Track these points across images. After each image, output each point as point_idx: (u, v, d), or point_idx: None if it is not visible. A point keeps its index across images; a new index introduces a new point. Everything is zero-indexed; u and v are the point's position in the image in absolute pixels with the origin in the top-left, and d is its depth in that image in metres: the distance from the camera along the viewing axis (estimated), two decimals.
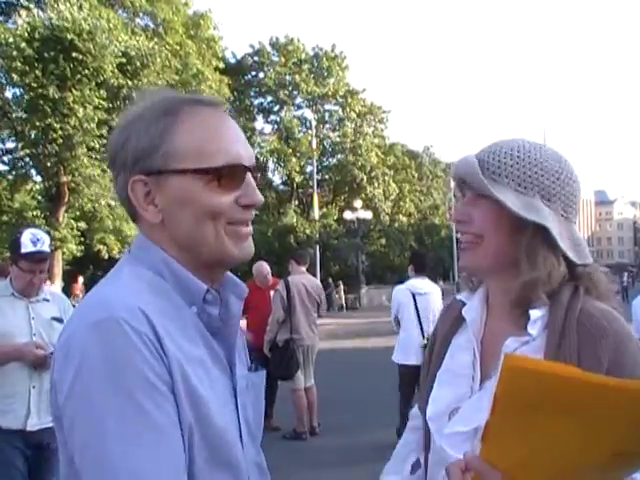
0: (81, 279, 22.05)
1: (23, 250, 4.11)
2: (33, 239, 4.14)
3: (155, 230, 1.36)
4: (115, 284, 1.32)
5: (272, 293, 9.28)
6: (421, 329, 7.84)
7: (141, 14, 35.29)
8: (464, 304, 1.73)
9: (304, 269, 9.27)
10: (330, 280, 40.91)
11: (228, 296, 1.44)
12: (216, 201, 1.33)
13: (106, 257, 30.04)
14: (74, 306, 4.51)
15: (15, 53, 24.40)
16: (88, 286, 22.49)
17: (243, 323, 9.52)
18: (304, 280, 9.10)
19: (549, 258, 1.54)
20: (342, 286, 41.57)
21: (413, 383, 7.57)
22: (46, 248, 4.20)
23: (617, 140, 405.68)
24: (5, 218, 29.44)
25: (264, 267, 9.66)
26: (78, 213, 28.30)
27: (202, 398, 1.25)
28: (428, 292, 8.03)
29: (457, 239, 1.79)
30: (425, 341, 7.50)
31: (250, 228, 1.42)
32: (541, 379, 1.22)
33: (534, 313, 1.53)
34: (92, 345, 1.17)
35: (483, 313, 1.68)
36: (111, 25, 26.48)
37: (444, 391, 1.66)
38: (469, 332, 1.66)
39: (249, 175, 1.38)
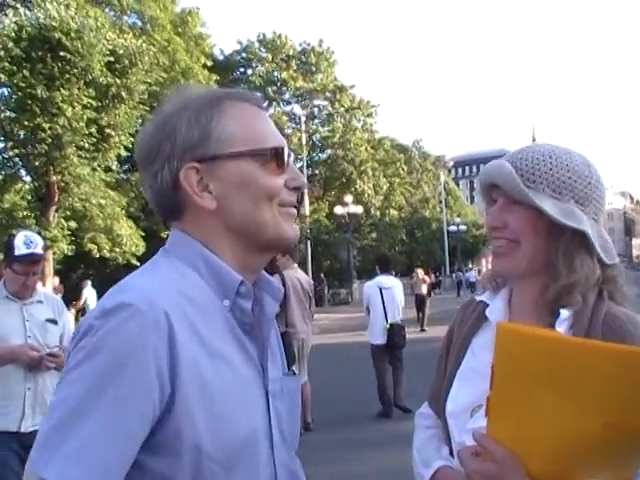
0: (57, 280, 22.17)
1: (17, 252, 4.15)
2: (27, 242, 4.17)
3: (208, 218, 1.37)
4: (147, 275, 1.35)
5: None
6: (385, 316, 9.83)
7: (129, 12, 35.15)
8: (486, 305, 1.75)
9: (296, 265, 9.32)
10: (322, 275, 40.97)
11: (262, 295, 1.46)
12: (273, 182, 1.37)
13: (97, 256, 30.01)
14: None
15: (2, 53, 24.22)
16: (77, 285, 22.52)
17: None
18: (298, 275, 9.19)
19: (587, 262, 1.58)
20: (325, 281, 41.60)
21: (384, 358, 9.86)
22: (39, 250, 4.24)
23: (606, 131, 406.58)
24: None
25: None
26: (68, 212, 28.14)
27: (218, 392, 1.26)
28: (392, 286, 10.07)
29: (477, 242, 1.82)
30: (388, 325, 9.76)
31: (296, 211, 1.44)
32: (533, 342, 1.29)
33: (564, 312, 1.58)
34: (102, 326, 1.20)
35: (506, 314, 1.71)
36: (99, 24, 26.31)
37: (466, 389, 1.68)
38: (492, 332, 1.63)
39: (291, 160, 1.43)
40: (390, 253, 47.39)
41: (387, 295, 9.95)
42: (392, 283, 10.13)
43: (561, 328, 1.56)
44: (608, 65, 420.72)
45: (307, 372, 9.16)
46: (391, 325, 9.90)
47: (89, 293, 21.93)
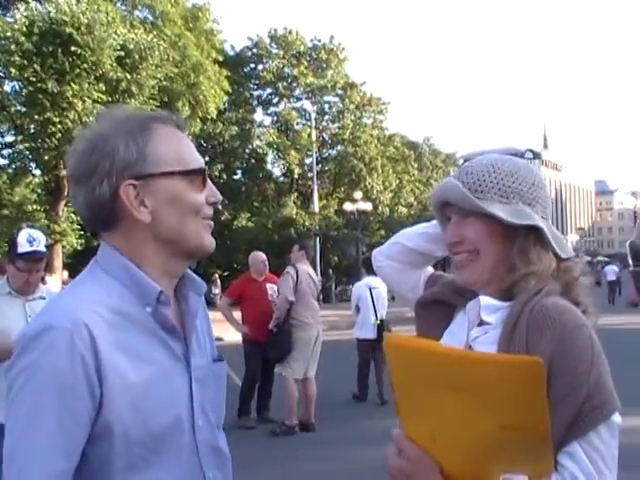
0: (66, 273, 22.29)
1: (19, 250, 4.19)
2: (29, 239, 4.21)
3: (139, 230, 1.54)
4: (72, 294, 1.56)
5: (268, 285, 9.38)
6: (375, 313, 10.79)
7: (139, 7, 35.25)
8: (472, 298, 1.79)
9: (308, 261, 9.45)
10: (330, 272, 40.98)
11: (187, 292, 1.66)
12: (198, 198, 1.57)
13: None
14: None
15: (14, 47, 24.35)
16: None
17: (238, 316, 9.58)
18: (309, 270, 9.32)
19: (543, 256, 1.66)
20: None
21: (369, 352, 10.74)
22: (42, 248, 4.28)
23: (617, 130, 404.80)
24: (5, 212, 29.50)
25: (260, 255, 9.77)
26: None
27: (140, 390, 1.46)
28: (379, 287, 10.75)
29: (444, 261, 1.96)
30: (378, 321, 10.72)
31: (212, 223, 1.65)
32: (417, 355, 1.37)
33: (485, 300, 1.67)
34: (35, 347, 1.39)
35: (479, 312, 1.72)
36: (109, 18, 26.39)
37: None
38: (465, 317, 1.76)
39: (208, 179, 1.63)
40: None
41: (376, 294, 10.90)
42: (379, 284, 10.72)
43: (489, 318, 1.65)
44: (623, 67, 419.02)
45: (315, 369, 9.19)
46: (381, 321, 10.82)
47: None
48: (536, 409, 1.29)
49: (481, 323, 1.70)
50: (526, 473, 1.39)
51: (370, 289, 10.92)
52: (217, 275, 20.25)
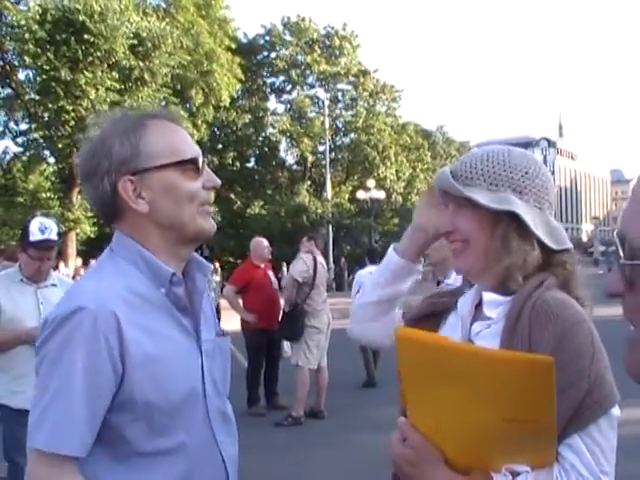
0: (79, 261, 22.40)
1: (31, 238, 4.24)
2: (41, 227, 4.26)
3: (142, 220, 1.70)
4: (95, 280, 1.70)
5: (269, 272, 9.46)
6: None
7: None
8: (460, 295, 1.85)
9: (318, 251, 9.44)
10: (343, 260, 40.97)
11: (194, 273, 1.83)
12: (191, 186, 1.71)
13: None
14: None
15: (27, 35, 24.46)
16: None
17: (240, 303, 9.56)
18: (322, 260, 9.38)
19: (522, 244, 1.64)
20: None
21: None
22: (54, 236, 4.32)
23: (634, 119, 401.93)
24: (20, 199, 29.65)
25: (263, 241, 9.77)
26: None
27: (159, 363, 1.65)
28: None
29: None
30: None
31: (212, 208, 1.81)
32: (426, 349, 1.43)
33: (488, 295, 1.69)
34: (66, 327, 1.58)
35: (473, 305, 1.77)
36: (122, 6, 26.41)
37: None
38: (458, 321, 1.79)
39: (206, 165, 1.78)
40: None
41: None
42: None
43: (492, 314, 1.67)
44: (637, 54, 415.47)
45: (326, 356, 9.24)
46: None
47: None
48: (542, 404, 1.35)
49: (475, 318, 1.74)
50: (528, 464, 1.44)
51: None
52: (217, 263, 20.27)
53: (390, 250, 2.00)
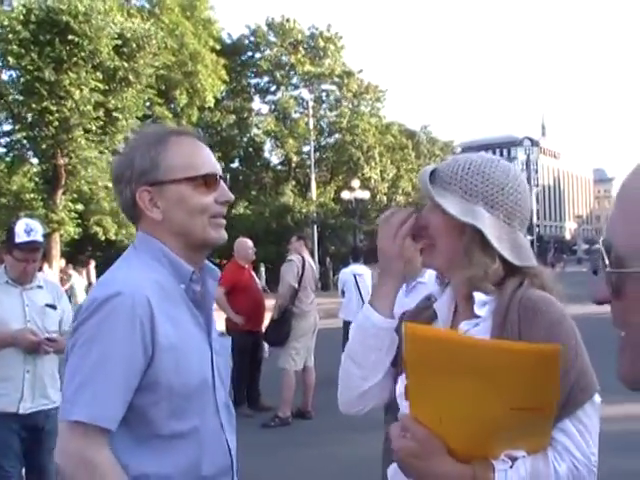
0: (63, 262, 22.19)
1: (17, 240, 4.22)
2: (27, 229, 4.24)
3: (157, 226, 1.89)
4: (126, 269, 1.87)
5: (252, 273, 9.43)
6: (361, 297, 10.93)
7: None
8: (436, 300, 1.92)
9: (307, 250, 9.43)
10: (328, 259, 40.95)
11: (206, 278, 2.00)
12: (203, 200, 1.89)
13: (103, 239, 30.05)
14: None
15: (11, 36, 24.27)
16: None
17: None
18: (310, 260, 9.40)
19: (483, 258, 1.72)
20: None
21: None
22: (39, 238, 4.31)
23: (616, 119, 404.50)
24: (3, 200, 29.44)
25: (248, 241, 9.72)
26: (75, 195, 28.15)
27: (182, 350, 1.82)
28: (363, 274, 11.51)
29: None
30: (362, 306, 10.20)
31: (224, 220, 1.98)
32: (437, 343, 1.49)
33: (479, 296, 1.73)
34: (104, 309, 1.73)
35: (451, 306, 1.87)
36: (107, 7, 26.27)
37: None
38: (439, 323, 1.86)
39: (221, 181, 1.96)
40: None
41: (360, 280, 11.46)
42: (363, 271, 11.76)
43: (482, 312, 1.72)
44: (621, 55, 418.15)
45: (313, 356, 9.27)
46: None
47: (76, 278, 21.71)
48: (547, 392, 1.45)
49: (455, 316, 1.84)
50: (525, 449, 1.55)
51: (355, 276, 11.51)
52: None
53: (367, 310, 1.92)
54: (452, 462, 1.54)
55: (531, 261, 1.77)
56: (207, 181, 1.91)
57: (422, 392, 1.53)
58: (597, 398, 1.65)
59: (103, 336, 1.72)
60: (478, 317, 1.73)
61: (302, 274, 8.91)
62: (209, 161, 1.96)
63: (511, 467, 1.54)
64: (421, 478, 1.59)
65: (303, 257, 9.07)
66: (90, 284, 23.62)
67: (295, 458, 7.26)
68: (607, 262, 0.92)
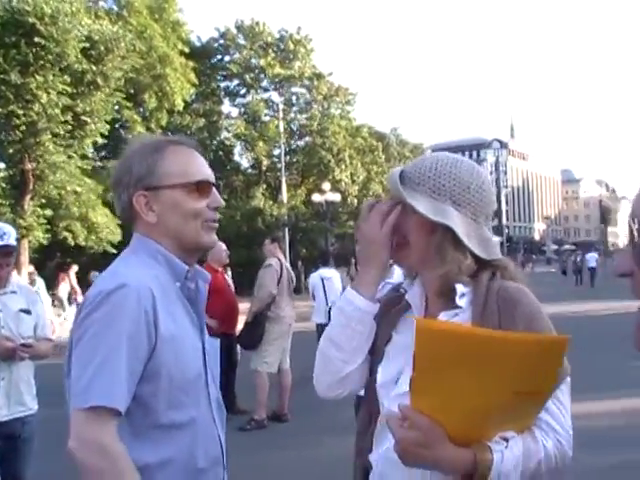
0: (31, 267, 22.02)
1: None
2: (0, 233, 4.16)
3: (152, 228, 2.00)
4: (126, 266, 1.95)
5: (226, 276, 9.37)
6: (326, 300, 11.92)
7: None
8: (406, 291, 2.00)
9: (281, 253, 9.34)
10: (300, 263, 40.94)
11: (197, 280, 2.10)
12: (196, 205, 2.00)
13: (72, 244, 29.69)
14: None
15: None
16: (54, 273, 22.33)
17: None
18: (286, 263, 9.35)
19: (455, 254, 1.82)
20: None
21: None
22: (13, 242, 4.22)
23: (583, 120, 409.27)
24: None
25: (220, 245, 9.56)
26: (44, 200, 27.74)
27: (180, 343, 1.91)
28: (331, 277, 12.42)
29: None
30: (328, 307, 11.44)
31: (216, 224, 2.08)
32: (447, 337, 1.55)
33: (459, 287, 1.83)
34: (111, 300, 1.80)
35: (423, 297, 1.95)
36: (74, 8, 25.95)
37: (392, 362, 1.90)
38: (414, 313, 1.94)
39: (214, 187, 2.08)
40: None
41: (328, 283, 12.23)
42: (331, 274, 12.61)
43: (462, 303, 1.82)
44: (587, 57, 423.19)
45: (288, 359, 9.23)
46: (331, 308, 10.94)
47: (40, 282, 21.50)
48: (550, 377, 1.57)
49: (427, 307, 1.94)
50: (515, 430, 1.66)
51: (322, 279, 12.28)
52: None
53: (351, 294, 1.97)
54: (454, 448, 1.61)
55: (498, 255, 1.89)
56: (200, 187, 2.02)
57: (427, 383, 1.59)
58: (569, 378, 1.77)
59: (112, 328, 1.79)
60: (455, 308, 1.81)
61: (280, 278, 8.86)
62: (203, 169, 2.07)
63: (506, 447, 1.63)
64: (425, 466, 1.65)
65: (280, 261, 9.02)
66: (72, 288, 23.50)
67: (272, 461, 7.21)
68: (636, 234, 0.97)
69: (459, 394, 1.56)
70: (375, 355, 1.97)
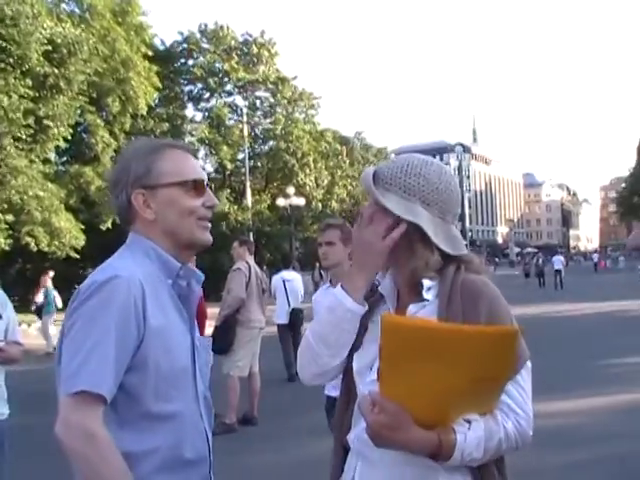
0: None
1: None
2: None
3: (149, 225, 2.07)
4: (121, 260, 2.02)
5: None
6: (288, 302, 12.51)
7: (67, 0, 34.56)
8: (379, 283, 2.14)
9: (251, 256, 9.27)
10: (264, 267, 40.90)
11: (190, 280, 2.15)
12: (192, 202, 2.08)
13: (35, 250, 29.22)
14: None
15: None
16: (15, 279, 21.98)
17: None
18: (256, 266, 9.26)
19: (424, 251, 1.96)
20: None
21: (288, 336, 12.46)
22: None
23: (544, 124, 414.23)
24: None
25: None
26: (5, 205, 27.34)
27: (168, 336, 1.96)
28: (293, 279, 12.92)
29: None
30: (290, 309, 12.44)
31: (210, 223, 2.16)
32: (410, 331, 1.71)
33: (426, 282, 1.98)
34: (105, 289, 1.86)
35: (394, 289, 2.11)
36: (35, 11, 25.73)
37: (366, 350, 2.04)
38: (387, 304, 2.09)
39: (208, 187, 2.16)
40: None
41: (289, 286, 12.68)
42: (293, 276, 13.15)
43: (429, 296, 1.97)
44: (545, 59, 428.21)
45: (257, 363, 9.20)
46: (293, 309, 12.46)
47: None
48: (506, 365, 1.73)
49: (399, 298, 2.08)
50: (479, 412, 1.83)
51: (284, 281, 12.70)
52: None
53: (342, 296, 2.06)
54: (419, 430, 1.76)
55: (463, 250, 2.04)
56: (196, 186, 2.10)
57: (394, 373, 1.74)
58: (528, 363, 1.93)
59: (102, 317, 1.83)
60: (424, 300, 1.96)
61: (248, 282, 8.82)
62: (198, 169, 2.16)
63: (468, 429, 1.80)
64: (393, 446, 1.80)
65: (249, 264, 8.97)
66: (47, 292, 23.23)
67: (242, 464, 7.17)
68: None
69: (422, 382, 1.70)
70: (357, 343, 2.10)
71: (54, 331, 18.19)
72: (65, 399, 1.79)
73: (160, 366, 1.91)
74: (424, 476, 1.87)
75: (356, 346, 2.09)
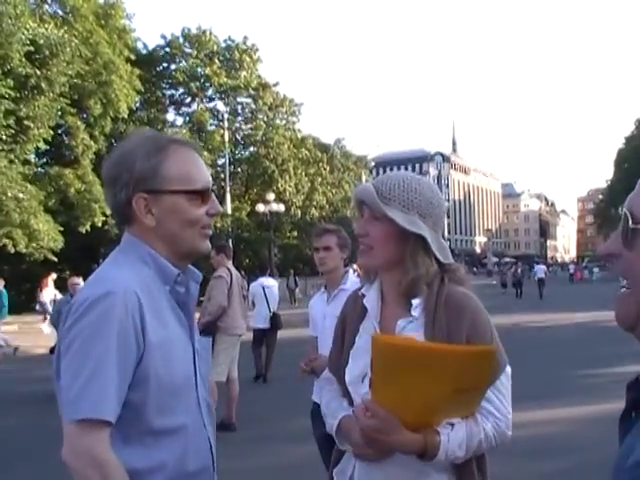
0: None
1: None
2: None
3: (149, 231, 1.96)
4: (114, 269, 1.93)
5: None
6: (268, 307, 12.98)
7: (49, 1, 34.40)
8: (364, 296, 2.32)
9: (230, 262, 9.26)
10: (243, 273, 40.79)
11: (189, 281, 2.08)
12: (196, 212, 1.98)
13: (12, 252, 28.97)
14: None
15: None
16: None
17: None
18: (236, 273, 9.26)
19: (426, 259, 2.17)
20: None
21: (261, 340, 13.08)
22: None
23: (524, 135, 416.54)
24: None
25: None
26: None
27: (169, 349, 1.89)
28: (271, 285, 13.46)
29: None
30: (271, 314, 12.92)
31: (210, 231, 2.07)
32: (397, 349, 1.91)
33: (415, 301, 2.17)
34: (98, 307, 1.77)
35: (379, 302, 2.28)
36: (18, 11, 25.60)
37: (356, 363, 2.24)
38: (369, 319, 2.28)
39: (212, 194, 2.06)
40: (311, 252, 46.76)
41: (269, 292, 13.12)
42: (272, 283, 13.70)
43: (415, 313, 2.16)
44: (526, 73, 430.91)
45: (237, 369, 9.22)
46: (274, 314, 12.97)
47: None
48: (485, 377, 1.93)
49: (383, 309, 2.26)
50: (461, 417, 2.04)
51: (263, 287, 13.11)
52: None
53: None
54: (407, 433, 1.95)
55: (451, 259, 2.24)
56: (202, 195, 2.00)
57: (384, 384, 1.94)
58: (508, 368, 2.15)
59: (100, 336, 1.77)
60: (409, 316, 2.16)
61: (230, 289, 8.83)
62: (205, 174, 2.04)
63: (451, 431, 2.00)
64: (383, 448, 2.02)
65: (230, 270, 8.98)
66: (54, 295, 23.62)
67: (221, 471, 7.17)
68: (630, 221, 1.13)
69: (411, 392, 1.91)
70: (344, 356, 2.32)
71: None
72: (70, 426, 1.76)
73: (162, 379, 1.85)
74: (417, 476, 2.09)
75: (346, 361, 2.29)
